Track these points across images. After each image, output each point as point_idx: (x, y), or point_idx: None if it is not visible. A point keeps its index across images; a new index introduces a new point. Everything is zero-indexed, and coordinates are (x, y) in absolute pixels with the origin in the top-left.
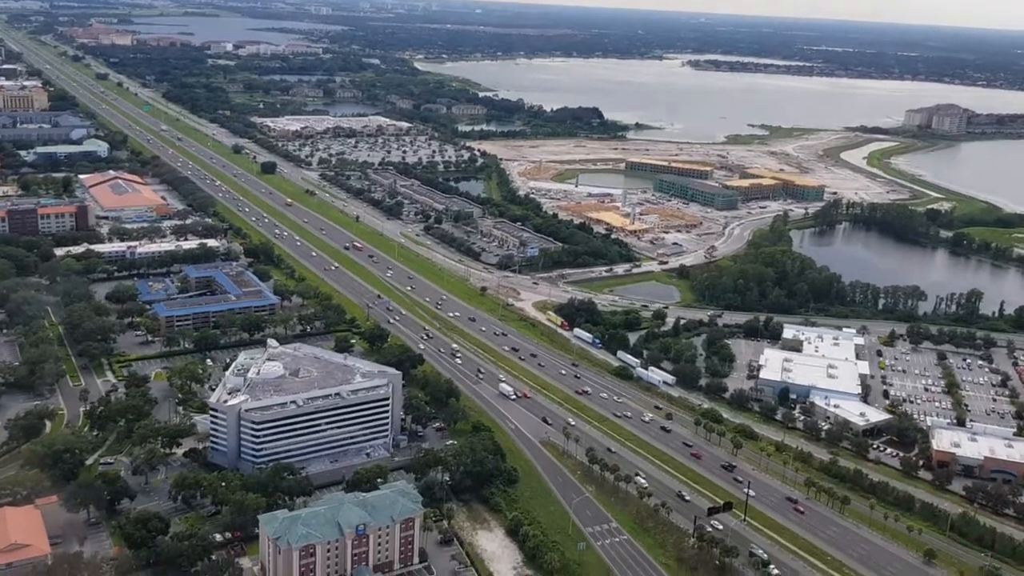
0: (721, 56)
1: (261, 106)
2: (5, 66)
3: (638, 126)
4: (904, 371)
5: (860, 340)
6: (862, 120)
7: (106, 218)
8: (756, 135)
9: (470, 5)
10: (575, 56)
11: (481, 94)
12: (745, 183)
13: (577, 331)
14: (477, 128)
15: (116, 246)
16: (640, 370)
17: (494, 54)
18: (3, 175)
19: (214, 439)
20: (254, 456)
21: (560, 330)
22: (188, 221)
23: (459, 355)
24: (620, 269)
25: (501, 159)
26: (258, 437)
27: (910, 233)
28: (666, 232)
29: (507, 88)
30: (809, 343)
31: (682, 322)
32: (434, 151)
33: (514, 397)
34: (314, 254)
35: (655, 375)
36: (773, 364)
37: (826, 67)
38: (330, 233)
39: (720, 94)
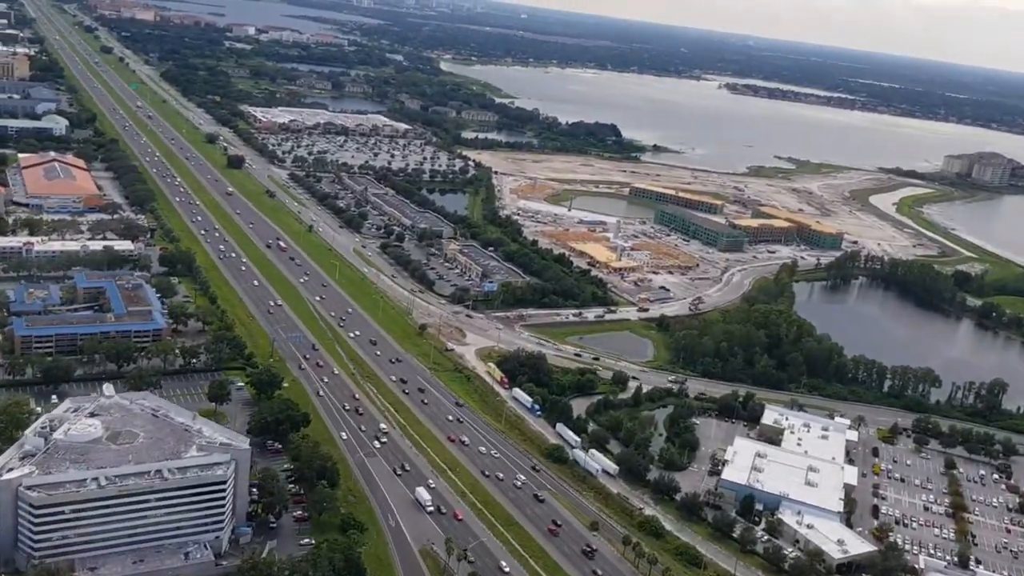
0: (761, 81)
1: (259, 94)
2: (8, 31)
3: (656, 148)
4: (902, 480)
5: (853, 435)
6: (898, 161)
7: (27, 205)
8: (781, 168)
9: (516, 9)
10: (609, 69)
11: (498, 100)
12: (755, 223)
13: (516, 392)
14: (482, 136)
15: (11, 241)
16: (577, 452)
17: (526, 60)
18: None
19: None
20: (32, 547)
21: (499, 387)
22: (114, 216)
23: (386, 438)
24: (592, 314)
25: (496, 172)
26: (37, 524)
27: (933, 297)
28: (655, 272)
29: (529, 96)
30: (792, 432)
31: (645, 390)
32: (426, 158)
33: (431, 509)
34: (245, 269)
35: (594, 461)
36: (742, 459)
37: (868, 101)
38: (264, 232)
39: (752, 121)
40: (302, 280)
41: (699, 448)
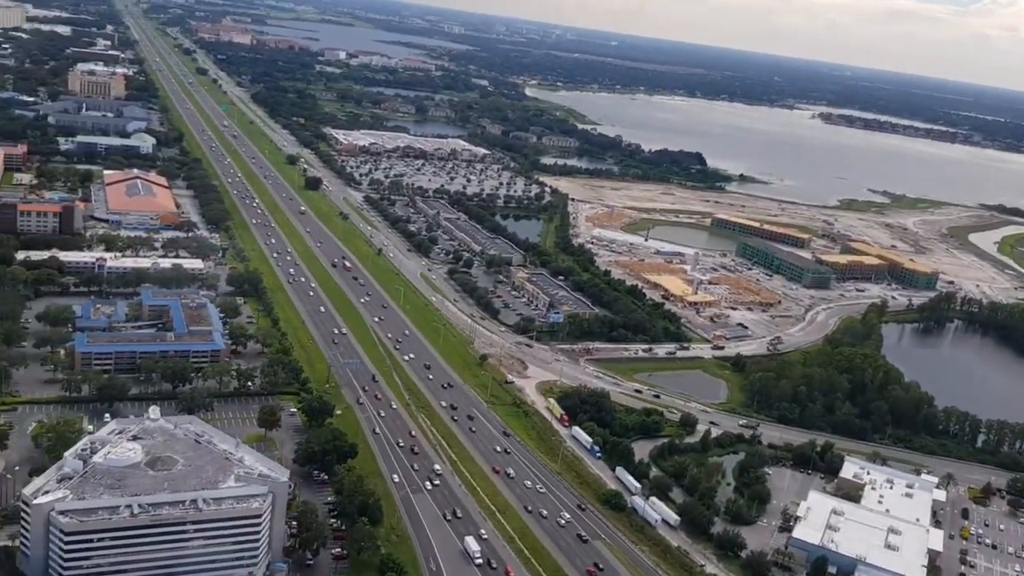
0: (857, 112)
1: (343, 117)
2: (111, 52)
3: (742, 178)
4: (994, 547)
5: (941, 494)
6: (1001, 198)
7: (107, 221)
8: (875, 202)
9: (608, 37)
10: (699, 96)
11: (581, 126)
12: (843, 259)
13: (576, 430)
14: (561, 162)
15: (85, 256)
16: (636, 499)
17: (613, 87)
18: (30, 162)
19: (24, 542)
20: (61, 574)
21: (558, 425)
22: (189, 235)
23: (440, 479)
24: (663, 350)
25: (573, 199)
26: (67, 551)
27: None
28: (733, 308)
29: (612, 123)
30: (873, 488)
31: (715, 434)
32: (502, 183)
33: (479, 561)
34: (313, 294)
35: (653, 510)
36: (816, 516)
37: (971, 135)
38: (333, 254)
39: (846, 152)
40: (363, 300)
41: (770, 501)
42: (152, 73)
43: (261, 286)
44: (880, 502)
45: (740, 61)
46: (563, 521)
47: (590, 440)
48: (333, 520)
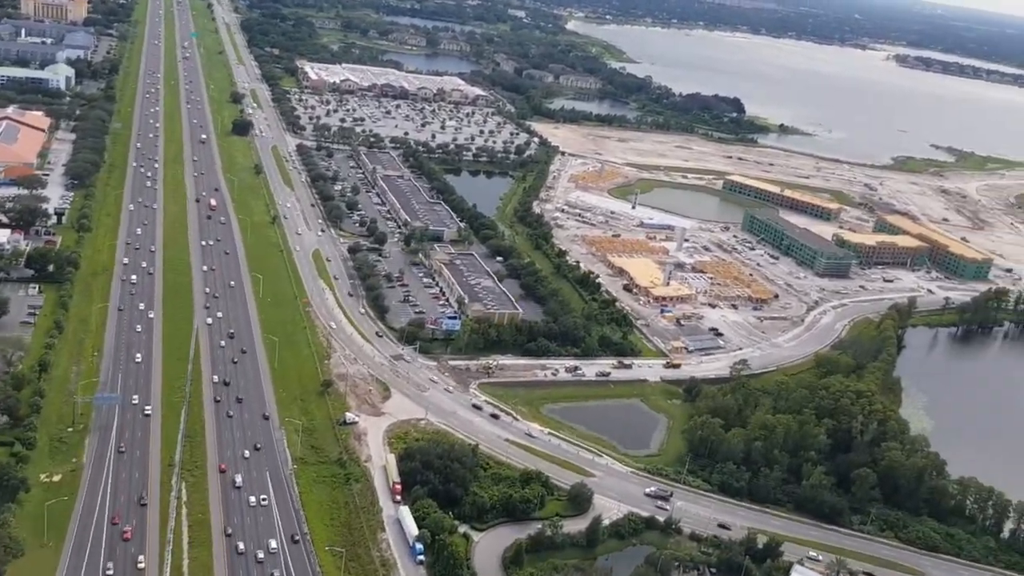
0: (939, 54)
1: (334, 48)
2: None
3: (783, 129)
4: None
5: None
6: None
7: None
8: (935, 161)
9: None
10: (763, 34)
11: (613, 64)
12: (872, 239)
13: (403, 512)
14: (571, 106)
15: None
16: None
17: (668, 21)
18: None
19: None
20: None
21: (387, 500)
22: (31, 192)
23: None
24: (593, 370)
25: (564, 152)
26: None
27: None
28: (712, 305)
29: (652, 61)
30: None
31: (614, 516)
32: (483, 131)
33: None
34: (144, 286)
35: None
36: None
37: None
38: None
39: (914, 99)
40: (207, 290)
41: None
42: None
43: (68, 270)
44: None
45: None
46: None
47: (415, 533)
48: None
